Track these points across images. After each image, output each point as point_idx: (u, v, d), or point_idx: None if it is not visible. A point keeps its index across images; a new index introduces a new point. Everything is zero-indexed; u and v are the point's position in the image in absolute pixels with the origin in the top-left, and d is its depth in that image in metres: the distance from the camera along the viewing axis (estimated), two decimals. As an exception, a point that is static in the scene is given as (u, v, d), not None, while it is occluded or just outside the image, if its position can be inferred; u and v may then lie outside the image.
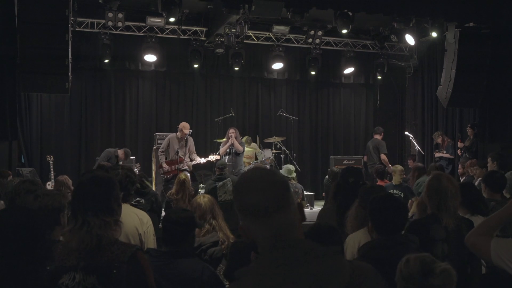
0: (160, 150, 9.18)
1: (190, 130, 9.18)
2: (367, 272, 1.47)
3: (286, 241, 1.41)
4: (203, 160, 9.23)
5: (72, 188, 5.78)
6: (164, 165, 8.89)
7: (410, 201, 6.95)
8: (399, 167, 7.68)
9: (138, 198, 5.97)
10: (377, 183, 7.81)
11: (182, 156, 8.85)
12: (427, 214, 3.28)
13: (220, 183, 7.01)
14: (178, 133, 9.11)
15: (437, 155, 10.89)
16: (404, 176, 7.97)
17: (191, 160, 9.04)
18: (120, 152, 9.68)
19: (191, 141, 9.15)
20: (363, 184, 4.85)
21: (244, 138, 10.87)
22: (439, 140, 10.83)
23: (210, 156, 9.36)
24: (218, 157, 9.46)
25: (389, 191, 6.38)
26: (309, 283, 1.33)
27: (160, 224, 3.19)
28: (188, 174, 7.90)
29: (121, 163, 9.71)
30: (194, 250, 3.38)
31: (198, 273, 2.78)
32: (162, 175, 9.04)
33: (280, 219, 1.42)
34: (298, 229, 1.46)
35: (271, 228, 1.42)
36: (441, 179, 3.25)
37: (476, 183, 6.76)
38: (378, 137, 10.70)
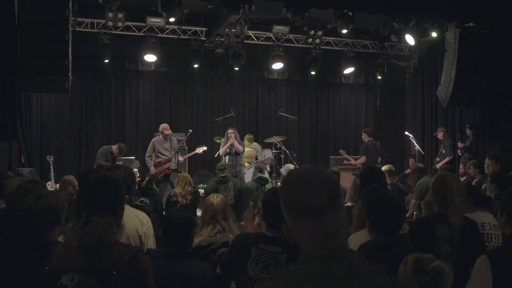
0: (146, 155, 9.25)
1: (190, 131, 9.23)
2: None
3: (332, 249, 1.33)
4: (185, 156, 9.38)
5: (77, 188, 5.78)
6: (152, 168, 8.95)
7: (407, 197, 6.97)
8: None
9: (142, 198, 6.00)
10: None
11: (169, 156, 8.94)
12: (433, 212, 3.28)
13: (222, 186, 7.01)
14: (160, 136, 9.18)
15: (437, 165, 10.81)
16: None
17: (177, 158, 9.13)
18: (114, 148, 9.69)
19: (174, 141, 9.27)
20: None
21: (246, 136, 10.89)
22: (440, 136, 10.80)
23: (197, 148, 9.43)
24: (205, 148, 9.57)
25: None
26: None
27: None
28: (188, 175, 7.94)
29: (117, 158, 9.78)
30: (194, 250, 3.37)
31: (200, 274, 2.77)
32: None
33: (330, 221, 1.35)
34: (344, 233, 1.40)
35: (319, 230, 1.34)
36: (446, 178, 3.27)
37: (473, 183, 6.77)
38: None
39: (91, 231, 2.20)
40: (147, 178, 6.47)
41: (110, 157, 9.51)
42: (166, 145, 9.11)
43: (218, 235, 3.60)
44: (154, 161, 9.07)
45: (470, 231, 3.18)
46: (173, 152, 9.04)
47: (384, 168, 7.69)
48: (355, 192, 4.49)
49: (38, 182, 3.82)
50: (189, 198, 6.47)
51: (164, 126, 9.25)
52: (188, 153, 10.14)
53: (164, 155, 9.06)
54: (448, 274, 2.15)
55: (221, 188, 6.98)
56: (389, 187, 7.13)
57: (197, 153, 9.59)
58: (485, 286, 2.39)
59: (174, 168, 8.91)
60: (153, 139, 9.38)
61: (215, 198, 3.75)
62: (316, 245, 1.34)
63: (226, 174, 7.25)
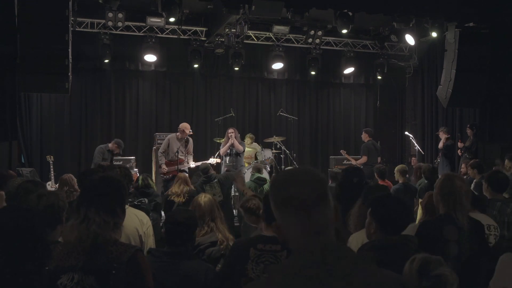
0: (160, 151, 9.12)
1: (191, 131, 9.17)
2: (399, 285, 1.45)
3: (323, 242, 1.38)
4: (198, 163, 9.31)
5: (76, 187, 5.78)
6: (163, 166, 8.88)
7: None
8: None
9: (141, 198, 6.02)
10: (378, 183, 7.82)
11: (182, 157, 8.85)
12: (440, 214, 3.27)
13: (208, 186, 7.03)
14: (178, 134, 9.08)
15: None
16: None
17: (188, 161, 9.05)
18: (111, 145, 9.45)
19: (190, 142, 9.14)
20: (366, 183, 4.83)
21: (248, 135, 10.88)
22: (441, 135, 10.82)
23: (210, 159, 9.34)
24: (218, 160, 9.45)
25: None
26: None
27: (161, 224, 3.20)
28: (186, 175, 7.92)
29: (118, 154, 9.67)
30: (193, 250, 3.38)
31: (202, 274, 2.78)
32: (161, 176, 9.04)
33: (319, 215, 1.41)
34: (332, 228, 1.45)
35: (310, 224, 1.40)
36: (454, 179, 3.24)
37: (473, 185, 6.75)
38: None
39: (87, 228, 2.22)
40: (141, 177, 6.46)
41: (108, 155, 9.39)
42: (181, 146, 8.98)
43: (206, 235, 3.61)
44: (166, 160, 9.00)
45: (476, 231, 3.17)
46: (186, 154, 8.93)
47: (396, 167, 7.70)
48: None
49: (38, 182, 3.81)
50: (185, 197, 6.47)
51: (185, 125, 9.06)
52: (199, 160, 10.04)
53: (176, 153, 8.97)
54: (452, 282, 2.14)
55: (206, 187, 7.00)
56: (398, 187, 7.18)
57: (210, 163, 9.49)
58: (511, 284, 2.39)
59: (184, 169, 8.77)
60: (168, 136, 9.24)
61: (203, 199, 3.77)
62: (308, 239, 1.39)
63: (211, 174, 7.25)
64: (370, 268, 1.37)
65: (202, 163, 7.89)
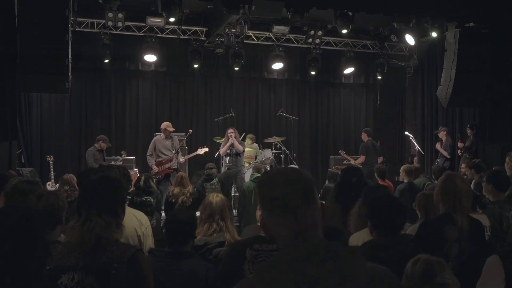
0: (148, 154, 9.27)
1: (190, 131, 9.24)
2: (387, 277, 1.46)
3: (308, 238, 1.40)
4: (187, 157, 9.40)
5: (77, 187, 5.79)
6: (154, 167, 8.97)
7: None
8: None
9: (147, 197, 6.06)
10: (379, 183, 7.82)
11: (171, 156, 8.96)
12: (440, 214, 3.27)
13: (208, 184, 7.08)
14: (162, 134, 9.19)
15: (437, 147, 10.85)
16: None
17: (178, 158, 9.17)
18: (98, 145, 9.42)
19: (176, 140, 9.29)
20: (365, 183, 4.85)
21: (249, 135, 10.90)
22: (441, 135, 10.81)
23: (198, 149, 9.45)
24: (206, 149, 9.56)
25: None
26: (328, 282, 1.31)
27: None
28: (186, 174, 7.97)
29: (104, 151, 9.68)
30: (196, 249, 3.39)
31: (203, 274, 2.79)
32: (154, 177, 9.10)
33: (305, 215, 1.43)
34: (320, 227, 1.47)
35: (296, 224, 1.42)
36: (455, 179, 3.25)
37: (472, 185, 6.74)
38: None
39: (89, 230, 2.21)
40: (143, 178, 6.48)
41: (100, 156, 9.42)
42: (167, 144, 9.13)
43: (214, 234, 3.62)
44: (155, 161, 9.08)
45: (476, 231, 3.18)
46: (173, 152, 9.06)
47: (402, 167, 7.71)
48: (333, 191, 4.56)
49: (33, 182, 3.81)
50: (188, 198, 6.49)
51: (166, 124, 9.28)
52: (189, 153, 10.13)
53: (165, 154, 9.08)
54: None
55: (207, 186, 7.04)
56: (404, 186, 7.18)
57: (199, 154, 9.59)
58: (498, 286, 2.38)
59: (175, 168, 8.92)
60: (154, 138, 9.40)
61: (214, 198, 3.79)
62: (294, 238, 1.41)
63: (212, 172, 7.29)
64: (359, 262, 1.38)
65: (208, 164, 7.98)
